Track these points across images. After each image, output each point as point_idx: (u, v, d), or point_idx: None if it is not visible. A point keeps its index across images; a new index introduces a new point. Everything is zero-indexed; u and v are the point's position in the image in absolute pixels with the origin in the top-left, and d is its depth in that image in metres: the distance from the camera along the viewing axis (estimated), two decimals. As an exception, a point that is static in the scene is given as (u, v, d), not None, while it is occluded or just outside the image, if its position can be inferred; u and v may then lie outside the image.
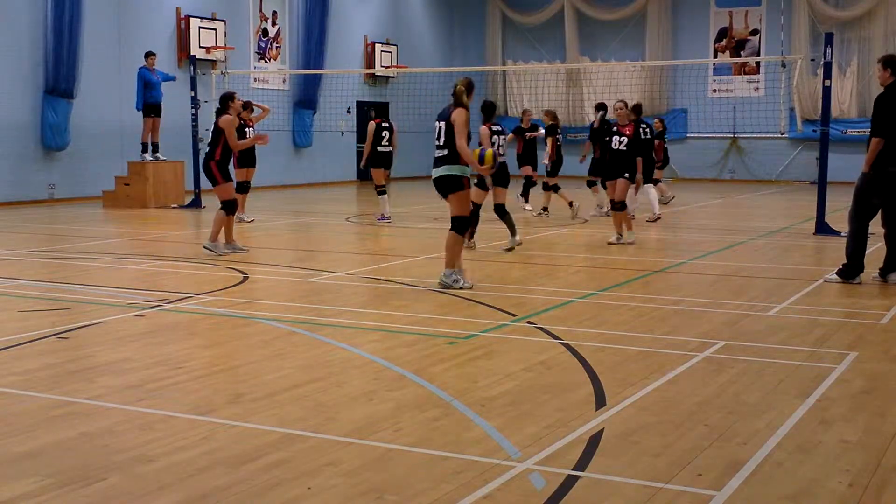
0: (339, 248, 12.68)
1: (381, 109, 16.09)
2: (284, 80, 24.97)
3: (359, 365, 6.13)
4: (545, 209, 16.26)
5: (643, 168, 13.16)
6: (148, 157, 18.70)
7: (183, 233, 14.55)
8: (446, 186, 8.85)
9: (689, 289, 9.09)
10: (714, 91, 28.51)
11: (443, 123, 8.83)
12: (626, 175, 12.27)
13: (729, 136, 28.21)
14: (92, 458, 4.36)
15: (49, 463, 4.30)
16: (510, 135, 16.21)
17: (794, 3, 26.87)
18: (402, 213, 17.07)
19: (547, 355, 6.33)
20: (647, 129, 15.86)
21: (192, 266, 10.62)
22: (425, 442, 4.58)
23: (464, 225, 8.99)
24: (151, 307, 8.06)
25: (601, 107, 16.31)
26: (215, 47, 22.39)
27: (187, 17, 21.90)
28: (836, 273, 9.38)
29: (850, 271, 9.22)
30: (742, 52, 28.39)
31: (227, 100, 11.42)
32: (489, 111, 11.82)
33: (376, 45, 27.75)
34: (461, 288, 8.77)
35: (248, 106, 15.24)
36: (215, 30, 22.52)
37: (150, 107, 18.41)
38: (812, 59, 23.75)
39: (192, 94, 18.30)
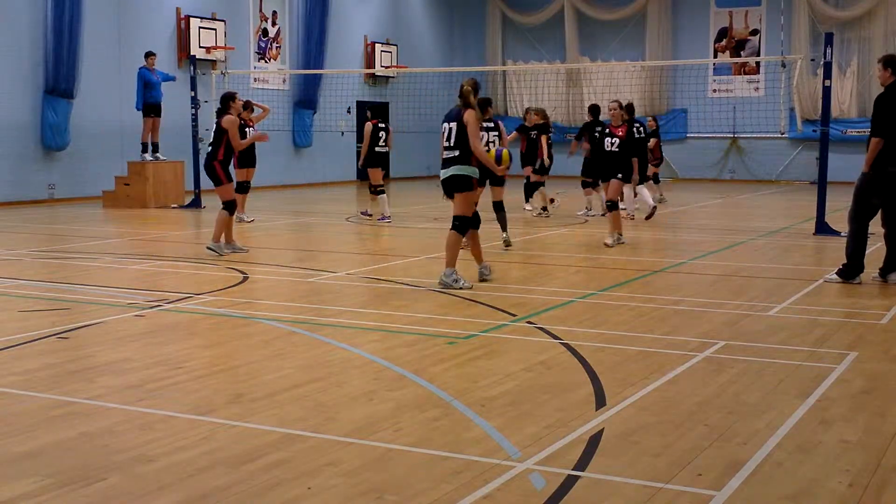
0: (339, 248, 12.68)
1: (378, 110, 16.13)
2: (284, 80, 24.97)
3: (359, 365, 6.13)
4: (545, 209, 16.27)
5: (639, 166, 13.18)
6: (148, 157, 18.70)
7: (183, 233, 14.55)
8: (455, 185, 8.92)
9: (689, 289, 9.09)
10: (714, 91, 28.51)
11: (453, 125, 8.90)
12: (620, 176, 12.25)
13: (729, 136, 28.21)
14: (92, 458, 4.36)
15: (49, 463, 4.30)
16: (514, 133, 16.33)
17: (794, 3, 26.87)
18: (402, 213, 17.07)
19: (547, 355, 6.33)
20: (641, 128, 15.92)
21: (192, 266, 10.62)
22: (425, 442, 4.58)
23: (466, 225, 9.04)
24: (151, 307, 8.06)
25: (594, 109, 16.27)
26: (215, 47, 22.39)
27: (187, 17, 21.90)
28: (836, 273, 9.38)
29: (850, 271, 9.22)
30: (742, 52, 28.39)
31: (227, 100, 11.44)
32: (483, 106, 11.81)
33: (376, 45, 27.76)
34: (461, 288, 8.78)
35: (248, 106, 15.25)
36: (215, 30, 22.52)
37: (150, 107, 18.41)
38: (812, 59, 23.75)
39: (192, 94, 18.31)
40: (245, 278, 9.65)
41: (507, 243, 11.80)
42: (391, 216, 15.49)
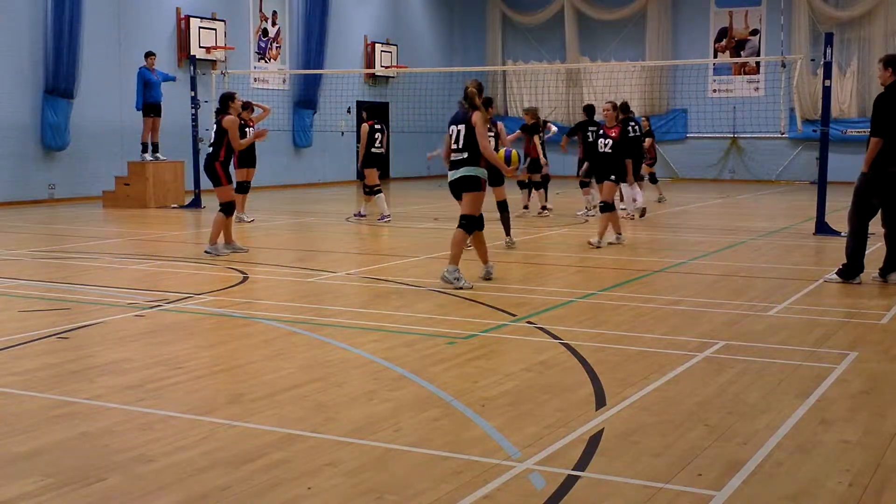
0: (339, 248, 12.68)
1: (374, 110, 16.15)
2: (284, 80, 24.97)
3: (358, 365, 6.13)
4: (545, 207, 16.30)
5: (632, 166, 13.24)
6: (148, 157, 18.70)
7: (183, 233, 14.55)
8: (463, 186, 9.00)
9: (688, 289, 9.08)
10: (714, 91, 28.51)
11: (462, 127, 8.97)
12: (613, 177, 12.24)
13: (729, 136, 28.21)
14: (92, 458, 4.37)
15: (49, 463, 4.30)
16: (516, 133, 16.40)
17: (794, 3, 26.87)
18: (403, 213, 17.08)
19: (547, 355, 6.33)
20: (636, 127, 15.99)
21: (192, 266, 10.62)
22: (425, 442, 4.58)
23: (473, 224, 9.10)
24: (151, 307, 8.06)
25: (589, 109, 16.31)
26: (215, 47, 22.39)
27: (187, 17, 21.90)
28: (836, 273, 9.38)
29: (850, 271, 9.22)
30: (742, 52, 28.39)
31: (227, 100, 11.43)
32: (484, 107, 11.82)
33: (376, 45, 27.76)
34: (460, 287, 8.79)
35: (248, 106, 15.24)
36: (215, 30, 22.52)
37: (150, 107, 18.41)
38: (812, 59, 23.76)
39: (192, 94, 18.30)
40: (245, 278, 9.65)
41: (511, 245, 11.86)
42: (390, 215, 15.50)
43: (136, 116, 18.93)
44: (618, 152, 12.28)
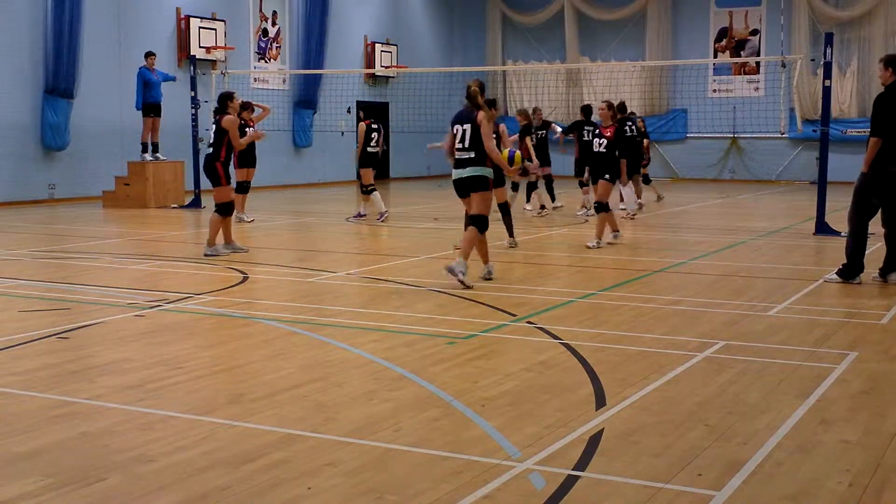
0: (339, 248, 12.68)
1: (370, 110, 16.18)
2: (284, 80, 24.97)
3: (358, 365, 6.13)
4: (543, 207, 16.37)
5: (627, 165, 13.25)
6: (148, 157, 18.70)
7: (183, 233, 14.55)
8: (473, 186, 9.07)
9: (688, 289, 9.08)
10: (714, 91, 28.51)
11: (467, 127, 9.04)
12: (607, 177, 12.23)
13: (729, 136, 28.21)
14: (92, 458, 4.37)
15: (49, 463, 4.30)
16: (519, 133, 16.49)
17: (794, 3, 26.87)
18: (403, 214, 17.08)
19: (547, 355, 6.33)
20: (633, 127, 16.06)
21: (192, 266, 10.62)
22: (425, 442, 4.58)
23: (484, 224, 9.18)
24: (151, 307, 8.06)
25: (586, 109, 16.36)
26: (215, 47, 22.40)
27: (187, 17, 21.90)
28: (836, 273, 9.38)
29: (850, 271, 9.22)
30: (742, 52, 28.39)
31: (225, 99, 11.41)
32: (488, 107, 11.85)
33: (376, 45, 27.76)
34: (461, 281, 8.81)
35: (248, 106, 15.24)
36: (215, 30, 22.52)
37: (150, 107, 18.41)
38: (812, 59, 23.75)
39: (192, 94, 18.30)
40: (245, 278, 9.65)
41: (512, 245, 11.88)
42: (387, 210, 15.53)
43: (136, 116, 18.93)
44: (612, 152, 12.26)
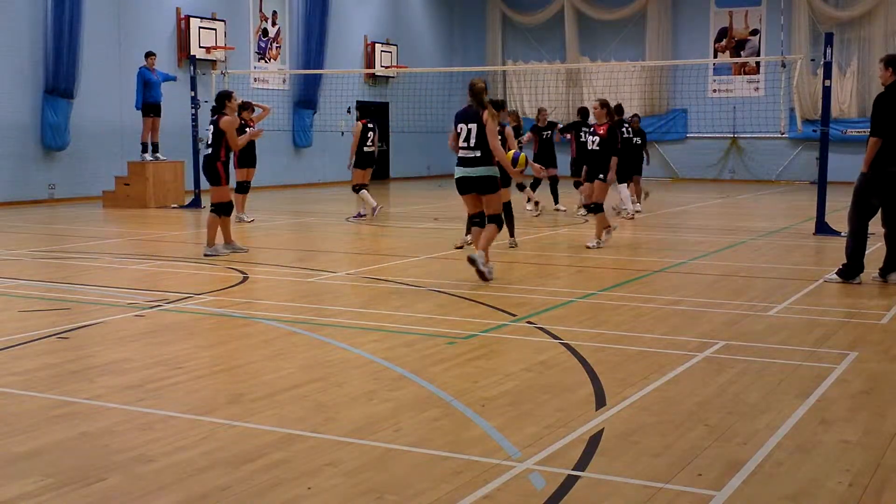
0: (339, 248, 12.68)
1: (365, 109, 16.21)
2: (284, 80, 24.97)
3: (358, 365, 6.13)
4: (536, 204, 16.48)
5: (622, 167, 13.29)
6: (148, 157, 18.70)
7: (183, 233, 14.55)
8: (484, 187, 9.24)
9: (689, 289, 9.08)
10: (714, 91, 28.51)
11: (472, 126, 9.14)
12: (602, 177, 12.22)
13: (729, 136, 28.21)
14: (92, 458, 4.37)
15: (49, 463, 4.30)
16: (528, 134, 16.62)
17: (794, 3, 26.87)
18: (402, 213, 17.08)
19: (547, 355, 6.33)
20: (629, 129, 16.13)
21: (192, 266, 10.62)
22: (425, 442, 4.58)
23: (502, 222, 9.49)
24: (151, 307, 8.06)
25: (583, 111, 16.44)
26: (215, 47, 22.40)
27: (187, 17, 21.90)
28: (836, 273, 9.38)
29: (850, 271, 9.22)
30: (742, 52, 28.39)
31: (223, 98, 11.38)
32: (496, 109, 11.88)
33: (376, 45, 27.76)
34: (483, 271, 9.07)
35: (248, 106, 15.25)
36: (215, 30, 22.52)
37: (150, 106, 18.42)
38: (812, 59, 23.74)
39: (192, 94, 18.30)
40: (245, 278, 9.65)
41: (513, 245, 11.90)
42: (380, 205, 15.70)
43: (136, 116, 18.93)
44: (606, 150, 12.22)
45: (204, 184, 16.11)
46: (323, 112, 25.39)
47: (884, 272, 9.27)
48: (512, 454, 4.39)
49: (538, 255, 11.56)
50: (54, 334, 7.01)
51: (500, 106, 12.07)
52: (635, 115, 18.69)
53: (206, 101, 18.92)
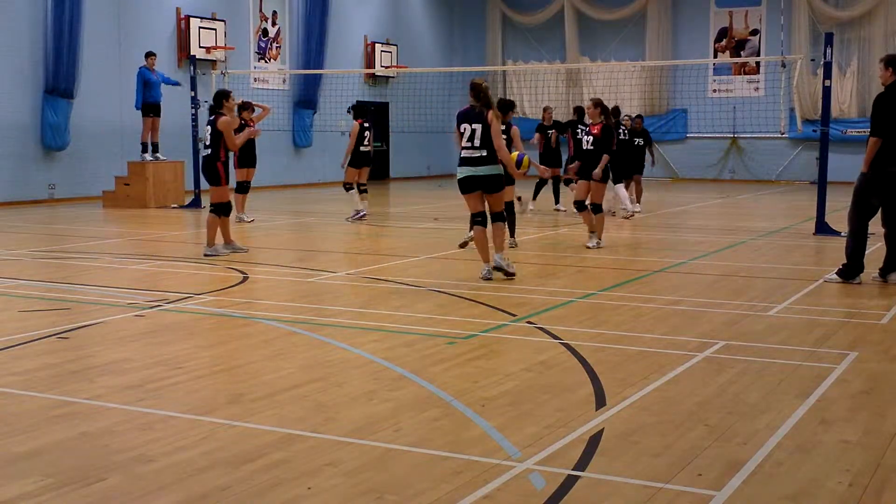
0: (339, 248, 12.68)
1: (360, 109, 16.21)
2: (284, 80, 24.97)
3: (359, 365, 6.13)
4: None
5: (617, 167, 13.29)
6: (148, 157, 18.70)
7: (183, 233, 14.55)
8: (491, 185, 9.35)
9: (689, 289, 9.08)
10: (714, 91, 28.52)
11: (476, 126, 9.21)
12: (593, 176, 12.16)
13: (729, 136, 28.21)
14: (92, 458, 4.37)
15: (49, 463, 4.30)
16: (536, 136, 16.74)
17: (794, 3, 26.87)
18: (403, 214, 17.08)
19: (547, 355, 6.33)
20: (624, 130, 16.18)
21: (192, 266, 10.62)
22: (425, 442, 4.58)
23: (505, 217, 9.68)
24: (151, 307, 8.06)
25: (579, 110, 16.48)
26: (215, 47, 22.39)
27: (187, 17, 21.90)
28: (836, 273, 9.38)
29: (850, 271, 9.22)
30: (742, 52, 28.39)
31: (221, 98, 11.36)
32: (504, 110, 11.91)
33: (376, 45, 27.76)
34: (507, 268, 9.33)
35: (248, 106, 15.25)
36: (215, 30, 22.52)
37: (150, 106, 18.41)
38: (812, 59, 23.75)
39: (192, 94, 18.30)
40: (245, 278, 9.65)
41: (513, 245, 11.90)
42: (363, 212, 15.76)
43: (136, 116, 18.92)
44: (599, 150, 12.18)
45: (204, 184, 16.12)
46: (323, 112, 25.39)
47: (884, 272, 9.27)
48: (512, 454, 4.39)
49: (538, 255, 11.56)
50: (54, 334, 7.01)
51: (509, 107, 12.15)
52: (638, 115, 18.72)
53: (206, 101, 18.86)
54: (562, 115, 29.33)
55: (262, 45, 24.41)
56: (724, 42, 28.62)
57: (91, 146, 19.97)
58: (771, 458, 4.36)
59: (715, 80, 28.54)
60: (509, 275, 9.43)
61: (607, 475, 4.15)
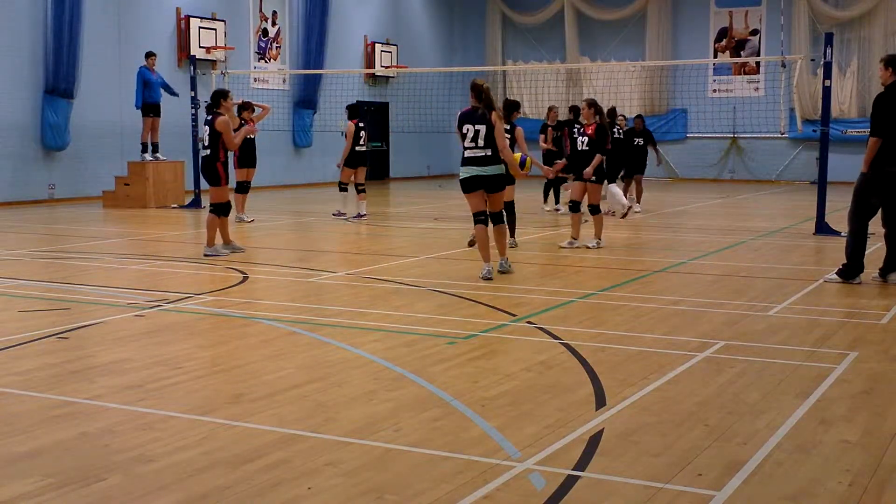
0: (339, 248, 12.68)
1: (355, 109, 16.24)
2: (284, 80, 24.98)
3: (359, 365, 6.13)
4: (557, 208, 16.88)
5: (611, 167, 13.28)
6: (148, 157, 18.70)
7: (183, 233, 14.55)
8: (496, 185, 9.47)
9: (689, 289, 9.08)
10: (714, 91, 28.51)
11: (480, 127, 9.27)
12: (594, 178, 12.14)
13: (729, 136, 28.21)
14: (92, 458, 4.37)
15: (49, 463, 4.30)
16: (541, 137, 16.85)
17: (794, 3, 26.87)
18: (402, 213, 17.08)
19: (547, 355, 6.33)
20: (619, 131, 16.23)
21: (192, 266, 10.62)
22: (425, 442, 4.58)
23: (503, 218, 9.83)
24: (151, 307, 8.06)
25: (574, 109, 16.56)
26: (215, 47, 22.40)
27: (187, 17, 21.90)
28: (836, 273, 9.38)
29: (850, 271, 9.22)
30: (742, 52, 28.39)
31: (219, 97, 11.35)
32: (509, 111, 11.92)
33: (376, 45, 27.76)
34: (509, 269, 9.64)
35: (248, 105, 15.25)
36: (215, 30, 22.52)
37: (150, 106, 18.41)
38: (812, 59, 23.74)
39: (192, 94, 18.30)
40: (245, 278, 9.65)
41: (513, 245, 11.89)
42: (346, 214, 15.82)
43: (136, 116, 18.92)
44: (595, 150, 12.16)
45: (204, 184, 16.12)
46: (323, 112, 25.39)
47: (884, 272, 9.27)
48: (512, 454, 4.39)
49: (538, 255, 11.56)
50: (54, 334, 7.01)
51: (514, 107, 12.16)
52: (639, 115, 18.74)
53: (206, 102, 18.86)
54: (562, 115, 29.42)
55: (262, 45, 24.41)
56: (724, 42, 28.62)
57: (91, 146, 19.97)
58: (771, 458, 4.36)
59: (715, 80, 28.54)
60: (506, 271, 9.72)
61: (607, 475, 4.15)
